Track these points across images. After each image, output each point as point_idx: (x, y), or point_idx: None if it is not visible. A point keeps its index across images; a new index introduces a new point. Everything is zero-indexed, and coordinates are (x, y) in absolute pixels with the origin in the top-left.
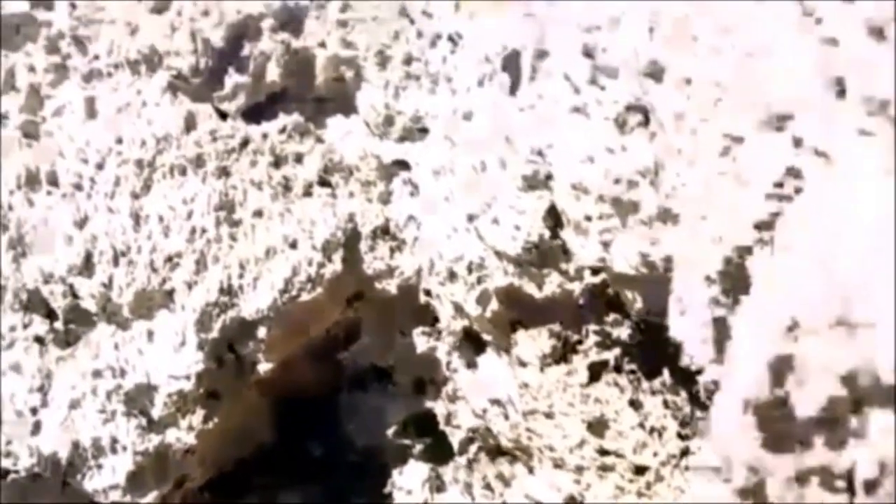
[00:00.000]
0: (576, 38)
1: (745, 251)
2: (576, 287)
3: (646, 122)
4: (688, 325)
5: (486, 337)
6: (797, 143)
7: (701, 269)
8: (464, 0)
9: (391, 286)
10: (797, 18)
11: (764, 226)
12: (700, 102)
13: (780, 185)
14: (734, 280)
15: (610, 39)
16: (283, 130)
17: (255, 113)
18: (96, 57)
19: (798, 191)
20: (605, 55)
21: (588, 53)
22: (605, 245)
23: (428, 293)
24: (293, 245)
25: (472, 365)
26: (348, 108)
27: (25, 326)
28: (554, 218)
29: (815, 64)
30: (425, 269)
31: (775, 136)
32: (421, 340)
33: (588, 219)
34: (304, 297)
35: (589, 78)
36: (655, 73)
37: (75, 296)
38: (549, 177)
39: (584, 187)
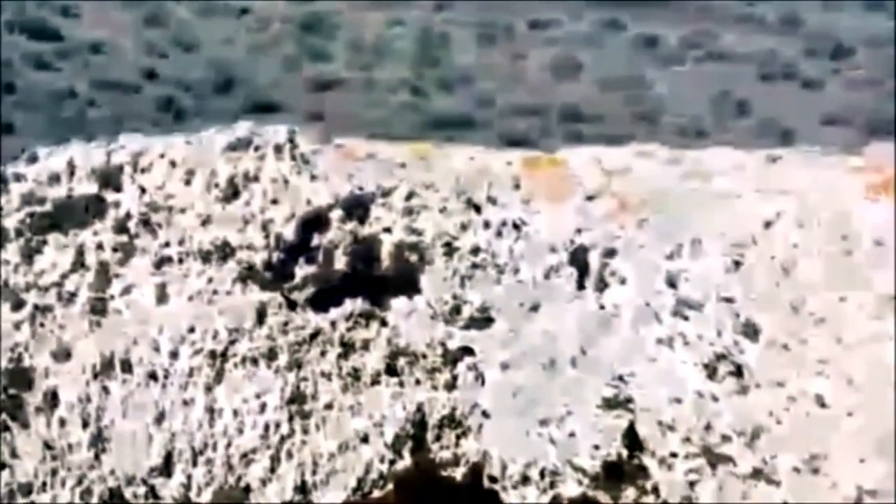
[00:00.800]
0: (653, 255)
1: None
2: (651, 500)
3: (738, 373)
4: None
5: None
6: None
7: None
8: (523, 177)
9: (457, 473)
10: None
11: None
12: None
13: None
14: None
15: (691, 267)
16: (349, 317)
17: (320, 297)
18: (167, 244)
19: None
20: (687, 285)
21: (670, 281)
22: (692, 484)
23: (493, 479)
24: (364, 439)
25: None
26: (412, 289)
27: None
28: (633, 436)
29: None
30: (496, 467)
31: None
32: None
33: (674, 455)
34: (376, 493)
35: (671, 308)
36: (748, 331)
37: (156, 496)
38: (629, 399)
39: (669, 425)
